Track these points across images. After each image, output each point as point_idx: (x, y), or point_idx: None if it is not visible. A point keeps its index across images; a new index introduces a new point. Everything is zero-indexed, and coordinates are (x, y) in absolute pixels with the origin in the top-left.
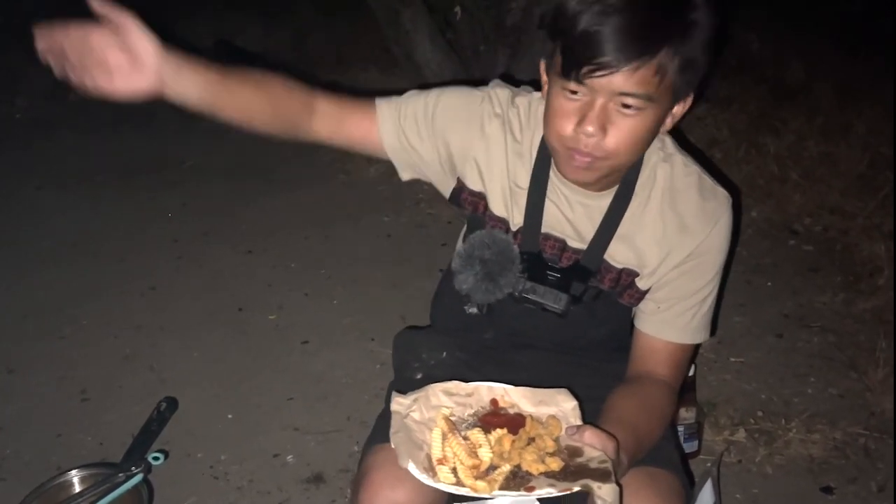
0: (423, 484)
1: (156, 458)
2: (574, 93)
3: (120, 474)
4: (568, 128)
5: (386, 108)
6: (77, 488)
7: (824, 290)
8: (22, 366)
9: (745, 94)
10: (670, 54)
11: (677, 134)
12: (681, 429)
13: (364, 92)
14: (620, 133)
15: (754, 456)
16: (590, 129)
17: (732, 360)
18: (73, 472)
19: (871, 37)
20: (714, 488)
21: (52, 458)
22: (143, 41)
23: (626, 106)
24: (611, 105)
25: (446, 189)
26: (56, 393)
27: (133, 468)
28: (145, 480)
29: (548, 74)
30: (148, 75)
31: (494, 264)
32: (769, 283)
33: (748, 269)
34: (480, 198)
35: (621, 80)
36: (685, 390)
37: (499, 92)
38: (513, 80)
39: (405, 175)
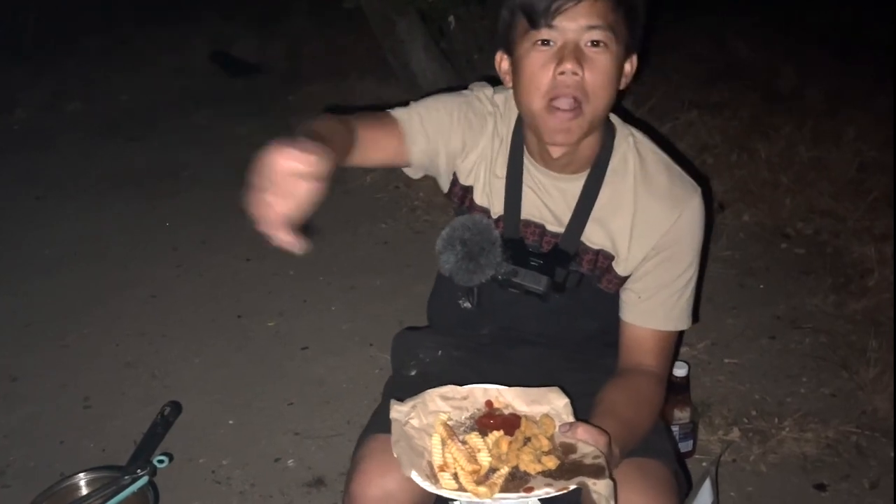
0: None
1: (160, 462)
2: (545, 43)
3: (126, 477)
4: (547, 77)
5: (407, 123)
6: (84, 491)
7: (816, 292)
8: (25, 373)
9: (736, 100)
10: None
11: (665, 141)
12: (675, 428)
13: (360, 102)
14: (596, 70)
15: (748, 455)
16: (568, 66)
17: (726, 361)
18: (81, 475)
19: (861, 44)
20: (713, 488)
21: (55, 465)
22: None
23: (595, 43)
24: (581, 44)
25: (445, 184)
26: (59, 400)
27: (138, 471)
28: (151, 483)
29: (510, 51)
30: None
31: (475, 244)
32: (761, 286)
33: (741, 273)
34: (468, 191)
35: (586, 12)
36: (680, 391)
37: (485, 92)
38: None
39: (416, 175)
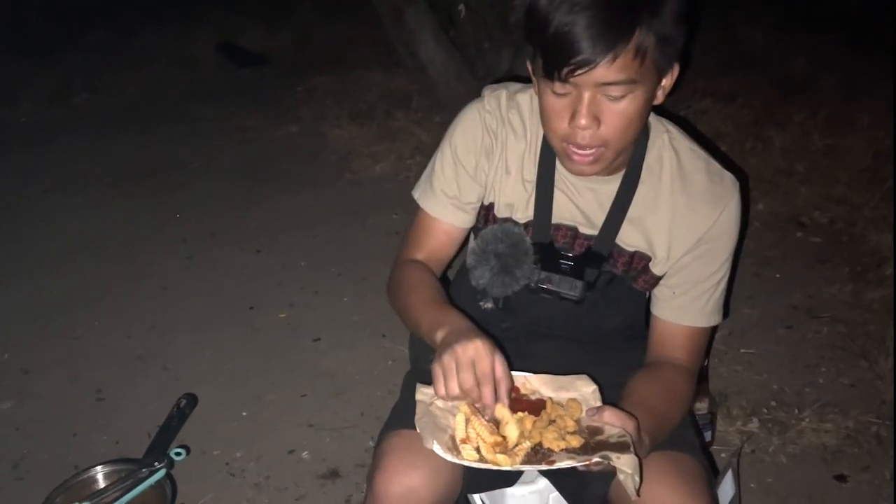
0: (437, 469)
1: (178, 454)
2: (561, 92)
3: (143, 470)
4: (562, 125)
5: (446, 214)
6: (101, 484)
7: (832, 281)
8: (36, 366)
9: (749, 88)
10: (644, 35)
11: (687, 125)
12: None
13: (368, 92)
14: (613, 120)
15: (767, 446)
16: (583, 122)
17: (743, 351)
18: (98, 467)
19: (873, 31)
20: (735, 480)
21: (68, 458)
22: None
23: (614, 93)
24: (598, 96)
25: None
26: (71, 393)
27: (156, 463)
28: (168, 476)
29: (534, 75)
30: None
31: (509, 257)
32: (777, 276)
33: (756, 262)
34: (489, 209)
35: (602, 71)
36: (697, 381)
37: (492, 103)
38: (518, 79)
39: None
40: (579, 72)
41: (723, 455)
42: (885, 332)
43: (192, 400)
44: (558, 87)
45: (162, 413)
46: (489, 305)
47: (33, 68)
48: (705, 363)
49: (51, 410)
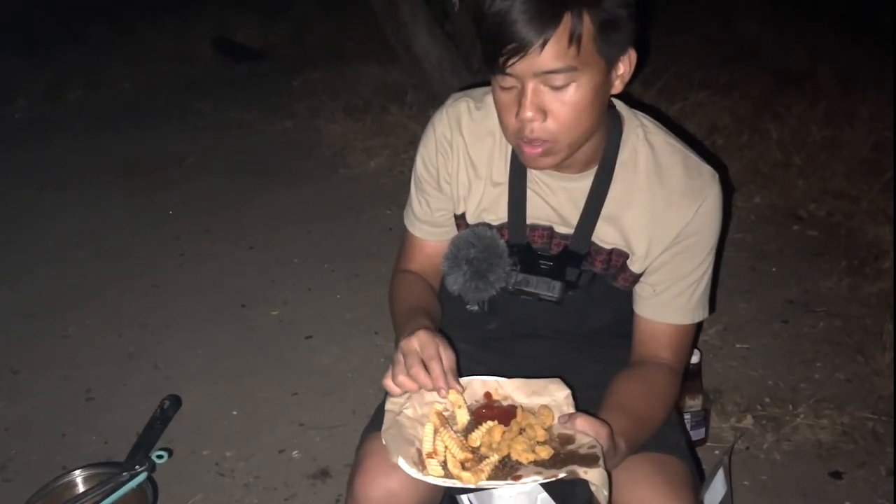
0: None
1: (159, 457)
2: (506, 86)
3: (124, 473)
4: (511, 119)
5: (413, 228)
6: (81, 488)
7: (829, 275)
8: (26, 366)
9: (746, 80)
10: (578, 20)
11: (670, 122)
12: (687, 416)
13: (364, 87)
14: (560, 111)
15: (762, 442)
16: (528, 114)
17: (738, 346)
18: (77, 471)
19: (873, 22)
20: (726, 478)
21: (57, 458)
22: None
23: (555, 83)
24: (541, 87)
25: None
26: (61, 392)
27: (137, 467)
28: (150, 479)
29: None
30: None
31: (482, 262)
32: (774, 269)
33: (752, 256)
34: (461, 218)
35: (537, 59)
36: (691, 378)
37: (450, 112)
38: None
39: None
40: (513, 59)
41: (716, 452)
42: (882, 326)
43: (175, 401)
44: (501, 79)
45: (152, 413)
46: (475, 308)
47: (29, 64)
48: (698, 360)
49: (40, 410)
